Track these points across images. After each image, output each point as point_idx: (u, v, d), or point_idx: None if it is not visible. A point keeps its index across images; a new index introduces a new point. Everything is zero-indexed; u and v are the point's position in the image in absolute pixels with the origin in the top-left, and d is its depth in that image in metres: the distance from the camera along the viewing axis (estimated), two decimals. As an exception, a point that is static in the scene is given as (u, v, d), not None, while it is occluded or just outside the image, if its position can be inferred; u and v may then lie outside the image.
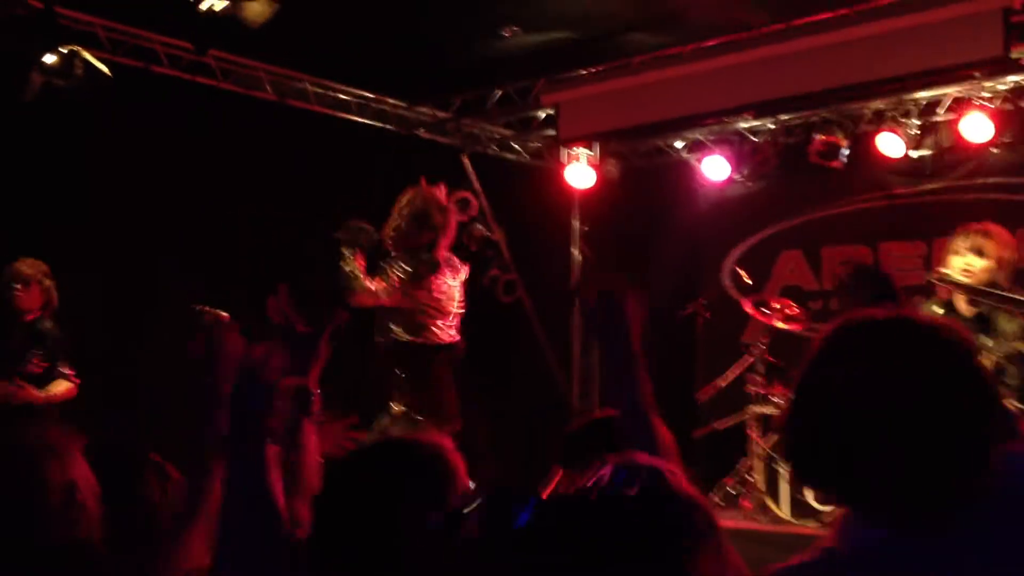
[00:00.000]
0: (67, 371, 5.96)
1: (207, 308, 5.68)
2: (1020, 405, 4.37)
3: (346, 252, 5.33)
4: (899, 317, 1.58)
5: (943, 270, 4.62)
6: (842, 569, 1.48)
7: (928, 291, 4.94)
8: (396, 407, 5.40)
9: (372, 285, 5.32)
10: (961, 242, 4.62)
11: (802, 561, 1.56)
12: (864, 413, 1.47)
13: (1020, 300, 4.53)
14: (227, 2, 4.88)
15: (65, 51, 5.59)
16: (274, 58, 7.19)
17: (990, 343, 4.41)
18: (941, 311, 4.57)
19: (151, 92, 6.61)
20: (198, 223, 6.81)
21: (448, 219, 5.60)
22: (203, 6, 4.89)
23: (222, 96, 7.04)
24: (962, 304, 4.63)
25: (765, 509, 6.34)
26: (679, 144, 8.64)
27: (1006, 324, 4.51)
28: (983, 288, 4.55)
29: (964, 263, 4.58)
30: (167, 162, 6.61)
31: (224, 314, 5.79)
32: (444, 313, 5.50)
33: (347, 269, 5.30)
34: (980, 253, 4.57)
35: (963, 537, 1.44)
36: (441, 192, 5.69)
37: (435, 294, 5.43)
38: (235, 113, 7.02)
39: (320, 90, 7.63)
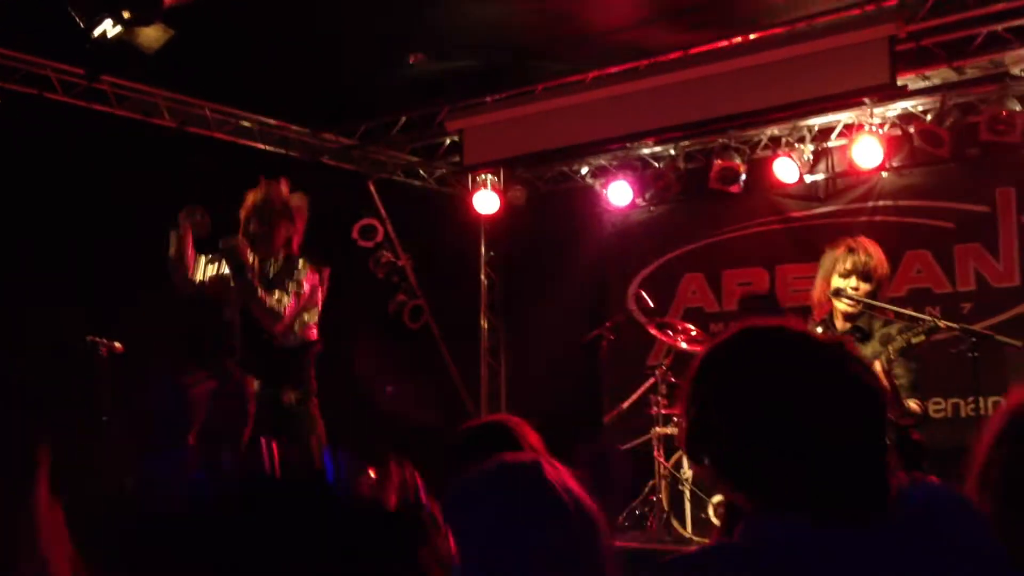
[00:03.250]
0: None
1: (101, 339, 5.53)
2: (917, 399, 4.57)
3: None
4: (786, 328, 1.65)
5: (844, 289, 4.71)
6: (746, 559, 1.50)
7: (807, 312, 5.08)
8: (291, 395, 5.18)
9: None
10: (845, 264, 4.70)
11: (695, 551, 1.61)
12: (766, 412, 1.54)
13: (919, 317, 4.74)
14: (120, 28, 4.78)
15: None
16: (173, 84, 7.07)
17: (869, 351, 4.57)
18: (820, 329, 4.70)
19: (45, 119, 6.46)
20: (95, 251, 6.65)
21: (287, 210, 5.27)
22: (96, 32, 4.79)
23: (118, 123, 6.90)
24: (839, 321, 4.78)
25: (669, 528, 6.41)
26: (584, 170, 8.75)
27: (885, 330, 4.68)
28: (892, 308, 4.76)
29: (850, 287, 4.69)
30: (62, 191, 6.45)
31: (118, 344, 5.63)
32: (317, 310, 5.34)
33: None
34: (867, 279, 4.68)
35: (881, 536, 1.48)
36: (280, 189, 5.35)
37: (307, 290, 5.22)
38: (132, 141, 6.89)
39: (220, 116, 7.52)
